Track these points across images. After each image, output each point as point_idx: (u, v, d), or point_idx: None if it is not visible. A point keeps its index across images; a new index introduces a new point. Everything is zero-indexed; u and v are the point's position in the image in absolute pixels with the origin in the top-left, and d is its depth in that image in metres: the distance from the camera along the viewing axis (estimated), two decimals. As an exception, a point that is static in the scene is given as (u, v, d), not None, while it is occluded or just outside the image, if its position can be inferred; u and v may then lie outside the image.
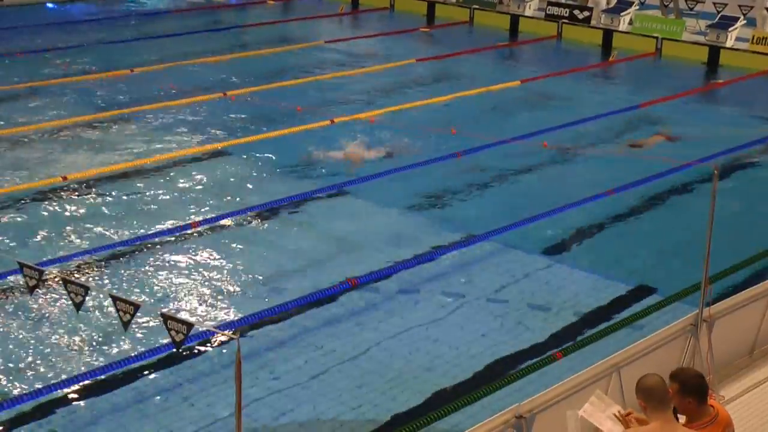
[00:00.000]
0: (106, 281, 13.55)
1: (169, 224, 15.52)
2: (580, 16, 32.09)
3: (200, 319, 12.41)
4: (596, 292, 13.77)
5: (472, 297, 13.51)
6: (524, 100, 24.14)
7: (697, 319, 10.13)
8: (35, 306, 12.65)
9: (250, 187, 17.36)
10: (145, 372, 11.33)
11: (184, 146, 19.61)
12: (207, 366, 11.50)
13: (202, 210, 16.18)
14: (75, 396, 10.80)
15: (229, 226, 15.67)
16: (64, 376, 11.10)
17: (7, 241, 14.70)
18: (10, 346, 11.75)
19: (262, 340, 12.14)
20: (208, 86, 23.93)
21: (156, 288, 13.42)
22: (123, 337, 11.76)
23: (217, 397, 10.83)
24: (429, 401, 10.95)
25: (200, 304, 13.00)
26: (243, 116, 21.67)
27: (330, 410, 10.75)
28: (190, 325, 6.65)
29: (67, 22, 32.06)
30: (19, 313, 12.57)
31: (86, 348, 11.78)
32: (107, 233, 15.15)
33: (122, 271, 13.95)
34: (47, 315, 12.50)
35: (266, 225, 15.89)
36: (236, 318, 12.53)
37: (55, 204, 16.30)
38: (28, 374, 11.19)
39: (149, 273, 13.89)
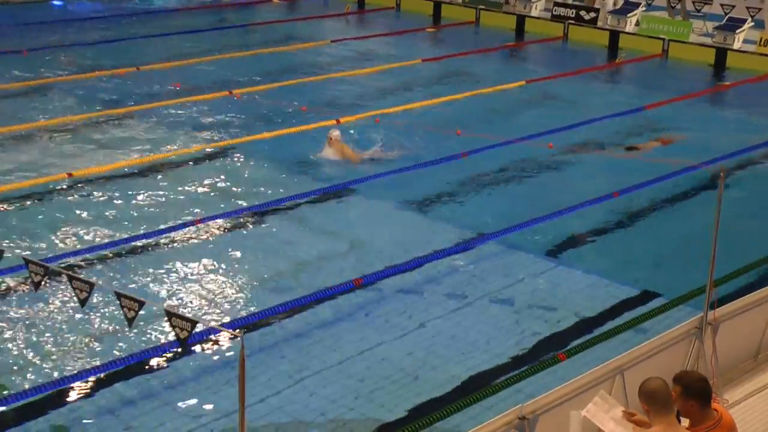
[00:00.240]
0: (111, 278, 13.56)
1: (173, 222, 15.53)
2: (587, 17, 32.08)
3: (204, 317, 12.41)
4: (600, 295, 13.75)
5: (475, 298, 13.49)
6: (530, 101, 24.12)
7: (701, 322, 10.11)
8: (40, 302, 12.66)
9: (255, 185, 17.36)
10: (149, 369, 11.34)
11: (189, 144, 19.62)
12: (211, 364, 11.50)
13: (207, 208, 16.18)
14: (79, 392, 10.81)
15: (233, 224, 15.67)
16: (67, 372, 11.11)
17: (13, 237, 14.71)
18: (15, 342, 11.77)
19: (265, 338, 12.14)
20: (213, 85, 23.95)
21: (160, 285, 13.43)
22: (128, 334, 11.76)
23: (221, 395, 10.84)
24: (431, 402, 10.94)
25: (204, 302, 13.00)
26: (248, 115, 21.68)
27: (332, 410, 10.74)
28: (194, 323, 6.65)
29: (73, 19, 32.10)
30: (24, 308, 12.58)
31: (91, 344, 11.79)
32: (112, 230, 15.15)
33: (127, 268, 13.96)
34: (52, 311, 12.51)
35: (271, 224, 15.89)
36: (240, 316, 12.52)
37: (60, 201, 16.32)
38: (32, 369, 11.20)
39: (154, 270, 13.90)
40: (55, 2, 35.25)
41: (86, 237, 14.90)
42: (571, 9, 32.63)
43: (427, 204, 17.03)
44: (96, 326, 12.16)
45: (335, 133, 18.67)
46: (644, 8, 32.23)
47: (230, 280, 13.68)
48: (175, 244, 14.85)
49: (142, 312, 6.99)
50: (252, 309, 12.80)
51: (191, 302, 13.00)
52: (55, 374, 11.09)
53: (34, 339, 11.86)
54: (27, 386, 10.77)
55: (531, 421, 8.26)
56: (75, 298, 8.05)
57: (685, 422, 7.60)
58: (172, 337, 10.73)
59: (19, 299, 12.82)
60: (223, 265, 14.14)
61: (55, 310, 12.53)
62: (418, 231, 15.86)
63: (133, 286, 13.28)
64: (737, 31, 29.30)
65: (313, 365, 11.59)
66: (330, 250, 15.03)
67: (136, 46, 28.29)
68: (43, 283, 7.66)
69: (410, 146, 19.52)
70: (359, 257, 14.76)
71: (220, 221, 15.67)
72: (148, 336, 11.91)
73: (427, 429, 9.95)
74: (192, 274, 13.80)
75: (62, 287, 12.78)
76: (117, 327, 12.02)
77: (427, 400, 10.96)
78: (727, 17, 30.44)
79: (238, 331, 6.36)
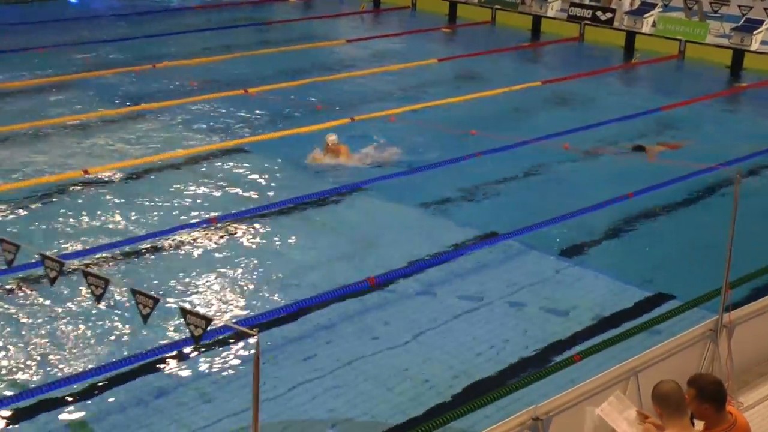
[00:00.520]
0: (126, 274, 13.59)
1: (188, 219, 15.57)
2: (603, 18, 32.00)
3: (219, 315, 12.43)
4: (615, 296, 13.71)
5: (490, 298, 13.48)
6: (545, 101, 24.08)
7: (716, 324, 10.08)
8: (56, 298, 12.70)
9: (270, 184, 17.38)
10: (163, 366, 11.37)
11: (205, 142, 19.66)
12: (225, 362, 11.52)
13: (222, 206, 16.21)
14: (92, 389, 10.83)
15: (248, 222, 15.69)
16: (82, 368, 11.14)
17: (29, 233, 14.75)
18: (31, 337, 11.81)
19: (279, 337, 12.15)
20: (229, 83, 23.99)
21: (175, 283, 13.45)
22: (142, 331, 11.79)
23: (235, 393, 10.85)
24: (445, 401, 10.93)
25: (219, 300, 13.03)
26: (263, 113, 21.72)
27: (345, 409, 10.75)
28: (208, 320, 6.66)
29: (89, 17, 32.18)
30: (40, 304, 12.62)
31: (105, 341, 11.82)
32: (127, 227, 15.21)
33: (142, 265, 14.00)
34: (67, 307, 12.54)
35: (285, 222, 15.90)
36: (255, 314, 12.54)
37: (76, 198, 16.36)
38: (47, 365, 11.23)
39: (169, 268, 13.94)
40: (72, 0, 35.35)
41: (101, 234, 14.94)
42: (587, 9, 32.55)
43: (442, 204, 17.01)
44: (110, 323, 12.18)
45: (332, 138, 18.55)
46: (661, 9, 32.13)
47: (244, 279, 13.70)
48: (190, 242, 14.88)
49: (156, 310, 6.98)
50: (265, 308, 12.80)
51: (205, 300, 13.02)
52: (69, 370, 11.12)
53: (50, 335, 11.90)
54: (42, 382, 10.80)
55: (545, 421, 8.25)
56: (90, 295, 8.09)
57: (699, 425, 7.57)
58: (186, 334, 10.74)
59: (34, 295, 12.86)
60: (237, 264, 14.15)
61: (71, 306, 12.56)
62: (432, 231, 15.85)
63: (148, 283, 13.30)
64: (755, 33, 29.19)
65: (326, 364, 11.59)
66: (343, 250, 15.03)
67: (152, 43, 28.35)
68: (58, 279, 7.69)
69: (424, 145, 19.51)
70: (373, 257, 14.75)
71: (233, 220, 15.68)
72: (162, 333, 11.93)
73: (440, 429, 9.96)
74: (206, 272, 13.82)
75: (78, 283, 12.80)
76: (132, 324, 12.04)
77: (441, 400, 10.95)
78: (744, 18, 30.32)
79: (252, 328, 6.35)
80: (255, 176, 17.78)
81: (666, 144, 20.38)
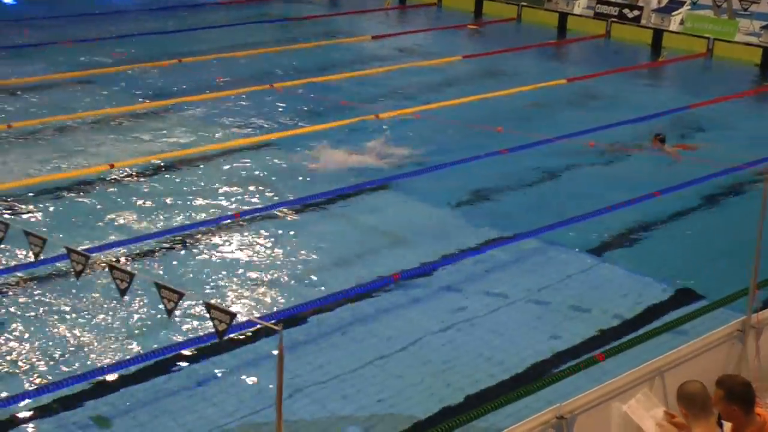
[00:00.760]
0: (151, 269, 13.63)
1: (213, 214, 15.60)
2: (630, 15, 31.82)
3: (242, 310, 12.45)
4: (640, 295, 13.64)
5: (514, 295, 13.43)
6: (571, 99, 23.98)
7: (744, 324, 9.99)
8: (81, 291, 12.75)
9: (294, 179, 17.38)
10: (187, 361, 11.38)
11: (230, 137, 19.69)
12: (248, 357, 11.53)
13: (246, 201, 16.24)
14: (117, 382, 10.87)
15: (272, 218, 15.70)
16: (107, 362, 11.18)
17: (55, 226, 14.82)
18: (56, 330, 11.86)
19: (303, 332, 12.15)
20: (254, 78, 24.01)
21: (199, 277, 13.48)
22: (166, 325, 11.82)
23: (258, 388, 10.86)
24: (468, 399, 10.91)
25: (242, 295, 13.04)
26: (288, 109, 21.73)
27: (368, 405, 10.73)
28: (233, 315, 6.66)
29: (116, 11, 32.30)
30: (65, 297, 12.67)
31: (130, 335, 11.85)
32: (152, 221, 15.25)
33: (166, 260, 14.03)
34: (92, 301, 12.59)
35: (310, 218, 15.90)
36: (278, 310, 12.55)
37: (102, 191, 16.42)
38: (71, 359, 11.28)
39: (193, 262, 13.97)
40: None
41: (127, 228, 14.99)
42: (614, 7, 32.38)
43: (467, 200, 16.97)
44: (135, 317, 12.22)
45: (323, 146, 18.51)
46: (689, 6, 31.91)
47: (267, 275, 13.70)
48: (214, 237, 14.90)
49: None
50: (290, 303, 12.81)
51: (229, 295, 13.03)
52: (94, 364, 11.15)
53: (74, 328, 11.94)
54: (66, 376, 10.83)
55: (569, 420, 8.20)
56: (115, 288, 8.10)
57: (727, 427, 7.52)
58: (210, 329, 10.75)
59: (60, 288, 12.91)
60: (261, 259, 14.17)
61: (95, 300, 12.60)
62: (456, 227, 15.81)
63: (172, 277, 13.34)
64: (785, 31, 29.00)
65: (350, 360, 11.58)
66: (368, 245, 15.02)
67: (178, 38, 28.42)
68: (84, 272, 7.70)
69: (449, 142, 19.48)
70: (397, 253, 14.73)
71: (259, 215, 15.70)
72: (186, 328, 11.96)
73: (463, 427, 9.93)
74: (230, 267, 13.84)
75: (103, 277, 12.85)
76: (156, 318, 12.07)
77: (464, 397, 10.92)
78: (774, 16, 30.14)
79: (276, 323, 6.35)
80: (280, 172, 17.78)
81: (683, 145, 20.18)
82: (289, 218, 15.75)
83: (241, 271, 13.75)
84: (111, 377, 10.95)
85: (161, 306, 7.07)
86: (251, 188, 16.89)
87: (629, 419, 7.91)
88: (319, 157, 18.21)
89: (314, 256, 14.41)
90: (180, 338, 11.71)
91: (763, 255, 9.75)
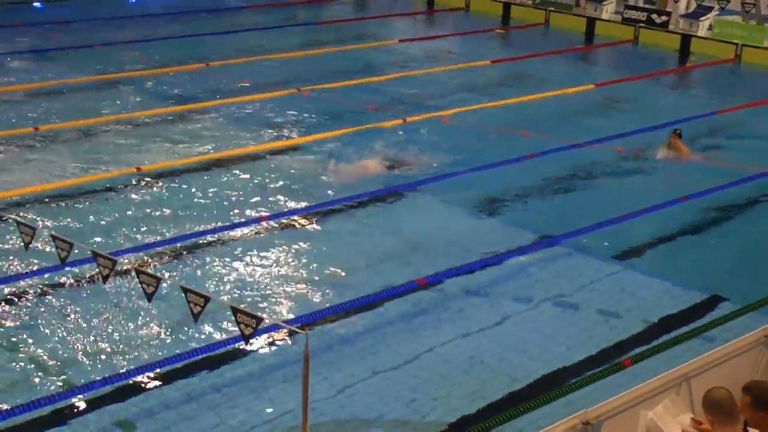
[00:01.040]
0: (177, 273, 13.68)
1: (239, 218, 15.64)
2: (658, 21, 31.71)
3: (268, 313, 12.46)
4: (667, 301, 13.57)
5: (540, 301, 13.40)
6: (598, 104, 23.92)
7: (772, 331, 9.92)
8: (107, 295, 12.81)
9: (320, 183, 17.40)
10: (213, 364, 11.41)
11: (256, 141, 19.75)
12: (274, 361, 11.54)
13: (272, 205, 16.28)
14: (143, 385, 10.90)
15: (298, 222, 15.73)
16: (133, 365, 11.22)
17: (81, 230, 14.90)
18: (82, 334, 11.91)
19: (328, 336, 12.16)
20: (281, 82, 24.09)
21: (224, 281, 13.51)
22: (192, 329, 11.85)
23: (284, 391, 10.87)
24: (493, 404, 10.88)
25: (268, 299, 13.06)
26: (315, 113, 21.77)
27: (394, 409, 10.72)
28: (259, 319, 6.69)
29: (144, 15, 32.49)
30: (92, 302, 12.73)
31: (156, 338, 11.90)
32: (179, 225, 15.30)
33: (192, 264, 14.07)
34: (119, 304, 12.65)
35: (335, 222, 15.91)
36: (304, 314, 12.56)
37: (128, 195, 16.50)
38: (97, 362, 11.33)
39: (219, 266, 14.00)
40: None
41: (153, 231, 15.05)
42: (642, 12, 32.28)
43: (492, 206, 16.94)
44: (161, 321, 12.26)
45: (350, 150, 18.47)
46: (717, 12, 31.73)
47: (293, 278, 13.72)
48: (240, 241, 14.94)
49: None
50: (315, 307, 12.82)
51: (254, 299, 13.06)
52: (119, 368, 11.20)
53: (101, 332, 11.99)
54: (91, 379, 10.88)
55: (595, 426, 8.16)
56: (142, 292, 8.14)
57: (753, 433, 7.47)
58: (236, 332, 10.77)
59: (87, 292, 12.98)
60: (287, 263, 14.19)
61: (122, 304, 12.66)
62: (483, 232, 15.78)
63: (199, 281, 13.38)
64: (814, 37, 28.80)
65: (376, 364, 11.58)
66: (394, 250, 15.02)
67: (206, 42, 28.56)
68: (110, 276, 7.74)
69: (475, 147, 19.46)
70: (423, 257, 14.72)
71: (284, 219, 15.73)
72: (212, 331, 11.99)
73: (489, 432, 9.93)
74: (256, 271, 13.87)
75: (130, 281, 12.91)
76: (182, 322, 12.10)
77: (490, 402, 10.89)
78: (803, 22, 29.93)
79: (303, 327, 6.36)
80: (306, 176, 17.81)
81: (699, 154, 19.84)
82: (315, 222, 15.77)
83: (267, 274, 13.78)
84: (136, 381, 10.97)
85: (188, 310, 7.10)
86: (278, 192, 16.93)
87: (655, 425, 7.86)
88: (345, 161, 18.21)
89: (340, 261, 14.41)
90: (206, 342, 11.73)
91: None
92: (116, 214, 15.63)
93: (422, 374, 11.43)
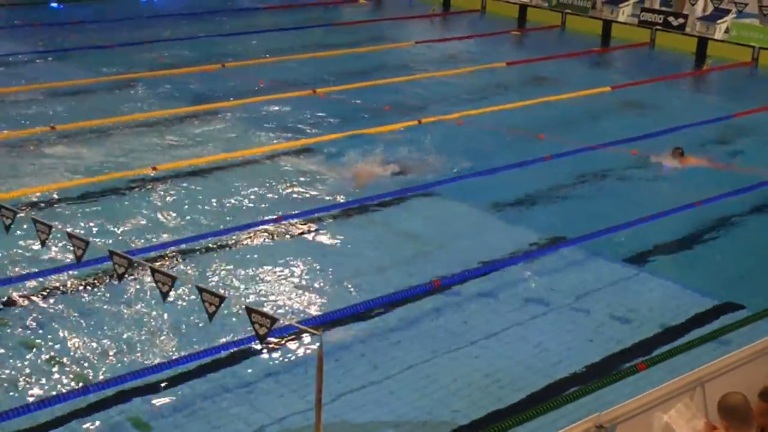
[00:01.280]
0: (191, 272, 13.71)
1: (254, 218, 15.67)
2: (675, 23, 31.62)
3: (282, 314, 12.48)
4: (682, 304, 13.54)
5: (553, 303, 13.38)
6: (614, 107, 23.88)
7: (787, 336, 9.88)
8: (123, 294, 12.85)
9: (334, 184, 17.41)
10: (226, 364, 11.43)
11: (272, 142, 19.78)
12: (288, 361, 11.56)
13: (287, 205, 16.30)
14: (157, 384, 10.93)
15: (313, 222, 15.74)
16: (147, 364, 11.25)
17: (98, 229, 14.95)
18: (97, 333, 11.95)
19: (342, 337, 12.16)
20: (297, 83, 24.12)
21: (239, 281, 13.54)
22: (207, 329, 11.87)
23: (298, 392, 10.88)
24: (506, 407, 10.87)
25: (282, 300, 13.08)
26: (331, 114, 21.78)
27: (408, 412, 10.72)
28: (274, 320, 6.71)
29: (159, 15, 32.57)
30: (107, 300, 12.78)
31: (171, 337, 11.93)
32: (194, 225, 15.35)
33: (207, 263, 14.10)
34: (134, 303, 12.69)
35: (351, 223, 15.93)
36: (317, 315, 12.57)
37: (144, 194, 16.55)
38: (112, 361, 11.36)
39: (233, 266, 14.02)
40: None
41: (168, 231, 15.09)
42: (659, 15, 32.19)
43: (508, 208, 16.93)
44: (176, 320, 12.29)
45: (365, 151, 18.39)
46: (735, 15, 31.63)
47: (307, 279, 13.74)
48: (255, 241, 14.97)
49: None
50: (330, 307, 12.83)
51: (269, 299, 13.08)
52: (134, 366, 11.23)
53: (115, 331, 12.03)
54: (105, 378, 10.92)
55: (608, 430, 8.15)
56: (157, 291, 8.17)
57: (768, 439, 7.45)
58: (250, 332, 10.79)
59: (102, 291, 13.03)
60: (301, 264, 14.21)
61: (137, 303, 12.70)
62: (497, 234, 15.77)
63: (213, 281, 13.42)
64: (832, 40, 28.66)
65: (390, 366, 11.58)
66: (409, 252, 15.01)
67: (221, 43, 28.61)
68: (126, 275, 7.77)
69: (490, 149, 19.46)
70: (438, 259, 14.71)
71: (300, 219, 15.75)
72: (226, 331, 12.01)
73: (502, 434, 9.92)
74: (271, 272, 13.89)
75: (145, 280, 12.95)
76: (197, 321, 12.13)
77: (503, 406, 10.89)
78: (821, 25, 29.80)
79: (317, 328, 6.38)
80: (321, 176, 17.83)
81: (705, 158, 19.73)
82: (330, 223, 15.79)
83: (281, 275, 13.80)
84: (150, 380, 11.00)
85: (202, 309, 7.13)
86: (293, 192, 16.96)
87: (669, 429, 7.84)
88: (360, 162, 18.22)
89: (355, 261, 14.42)
90: (220, 341, 11.76)
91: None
92: (132, 214, 15.68)
93: (436, 376, 11.43)
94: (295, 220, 15.68)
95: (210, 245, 14.68)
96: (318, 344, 6.28)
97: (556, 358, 11.93)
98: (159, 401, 10.67)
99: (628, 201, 17.29)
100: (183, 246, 14.53)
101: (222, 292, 7.14)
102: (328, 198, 16.78)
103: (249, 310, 6.87)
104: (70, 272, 13.30)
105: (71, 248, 8.94)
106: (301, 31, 31.10)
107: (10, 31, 29.22)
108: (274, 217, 15.70)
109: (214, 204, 16.26)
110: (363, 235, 15.53)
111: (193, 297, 12.30)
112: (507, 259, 14.59)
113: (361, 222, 16.03)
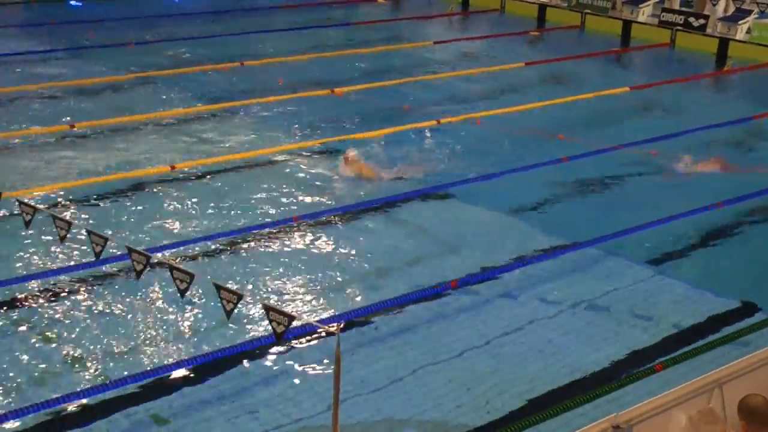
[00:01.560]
0: (209, 270, 13.74)
1: (271, 217, 15.70)
2: (695, 24, 31.47)
3: (299, 313, 12.49)
4: (700, 306, 13.49)
5: (571, 304, 13.35)
6: (633, 108, 23.80)
7: (806, 337, 9.84)
8: (141, 291, 12.89)
9: (353, 183, 17.42)
10: (244, 363, 11.44)
11: (290, 141, 19.79)
12: (306, 360, 11.57)
13: (305, 204, 16.32)
14: (174, 382, 10.97)
15: (330, 221, 15.75)
16: (165, 362, 11.29)
17: (116, 226, 15.00)
18: (115, 330, 11.99)
19: (361, 336, 12.17)
20: (316, 82, 24.13)
21: (257, 279, 13.56)
22: (225, 326, 11.90)
23: (315, 391, 10.89)
24: (523, 407, 10.86)
25: (300, 298, 13.09)
26: (349, 113, 21.79)
27: (426, 411, 10.72)
28: (291, 318, 6.71)
29: (178, 14, 32.63)
30: (125, 297, 12.82)
31: (188, 335, 11.96)
32: (212, 223, 15.37)
33: (225, 261, 14.14)
34: (152, 300, 12.73)
35: (368, 222, 15.94)
36: (335, 314, 12.58)
37: (162, 193, 16.59)
38: (130, 358, 11.40)
39: (251, 264, 14.05)
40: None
41: (186, 229, 15.13)
42: (679, 15, 32.06)
43: (526, 208, 16.90)
44: (194, 317, 12.32)
45: (352, 153, 18.26)
46: (757, 15, 31.44)
47: (325, 278, 13.75)
48: (273, 239, 14.99)
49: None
50: (347, 307, 12.84)
51: (286, 297, 13.10)
52: (151, 364, 11.27)
53: (132, 328, 12.07)
54: (121, 375, 10.94)
55: (625, 430, 8.13)
56: (175, 289, 8.19)
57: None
58: (268, 330, 10.81)
59: (120, 288, 13.07)
60: (319, 262, 14.22)
61: (155, 300, 12.74)
62: (514, 234, 15.75)
63: (230, 279, 13.44)
64: None
65: (407, 365, 11.58)
66: (426, 252, 15.00)
67: (240, 41, 28.66)
68: (144, 272, 7.79)
69: (509, 149, 19.43)
70: (455, 259, 14.71)
71: (317, 218, 15.76)
72: (244, 329, 12.04)
73: (519, 434, 9.91)
74: (287, 271, 13.90)
75: (163, 277, 12.98)
76: (215, 319, 12.15)
77: (521, 405, 10.87)
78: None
79: (334, 327, 6.38)
80: (339, 176, 17.83)
81: (720, 162, 19.54)
82: (347, 222, 15.80)
83: (299, 273, 13.82)
84: (167, 378, 11.04)
85: (220, 307, 7.13)
86: (310, 192, 16.97)
87: (687, 430, 7.82)
88: (377, 162, 18.22)
89: (371, 261, 14.43)
90: (238, 340, 11.78)
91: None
92: (150, 211, 15.73)
93: (452, 376, 11.42)
94: (312, 220, 15.68)
95: (228, 243, 14.70)
96: (336, 343, 6.28)
97: (573, 358, 11.91)
98: (176, 399, 10.69)
99: (647, 202, 17.22)
100: (201, 244, 14.56)
101: (239, 290, 7.15)
102: (345, 198, 16.78)
103: (267, 308, 6.87)
104: (89, 269, 13.33)
105: (90, 245, 8.96)
106: (319, 31, 31.13)
107: (30, 29, 29.32)
108: (292, 216, 15.71)
109: (232, 202, 16.28)
110: (379, 235, 15.53)
111: (211, 294, 12.31)
112: (523, 260, 14.55)
113: (378, 222, 16.03)
